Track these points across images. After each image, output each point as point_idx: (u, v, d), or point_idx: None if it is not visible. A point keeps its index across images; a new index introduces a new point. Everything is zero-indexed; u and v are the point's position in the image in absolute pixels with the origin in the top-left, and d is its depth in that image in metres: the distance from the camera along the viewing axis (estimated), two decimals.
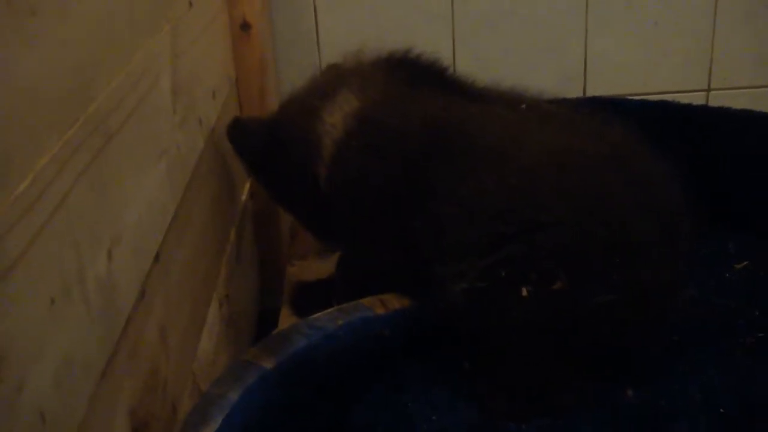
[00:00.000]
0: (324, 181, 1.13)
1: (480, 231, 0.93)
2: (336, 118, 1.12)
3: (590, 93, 1.63)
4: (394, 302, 1.01)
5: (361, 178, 1.08)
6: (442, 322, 0.97)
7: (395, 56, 1.16)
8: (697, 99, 1.60)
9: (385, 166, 1.05)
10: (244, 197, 1.40)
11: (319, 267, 1.39)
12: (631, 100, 1.43)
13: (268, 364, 0.87)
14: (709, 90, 1.65)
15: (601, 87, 1.63)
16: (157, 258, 0.82)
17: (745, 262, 1.23)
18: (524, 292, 0.89)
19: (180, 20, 1.00)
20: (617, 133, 1.00)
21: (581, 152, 0.96)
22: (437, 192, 0.98)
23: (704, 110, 1.42)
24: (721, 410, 0.92)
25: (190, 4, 1.06)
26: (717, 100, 1.63)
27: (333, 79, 1.18)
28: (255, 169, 1.28)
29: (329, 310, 0.97)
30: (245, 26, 1.38)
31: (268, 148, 1.19)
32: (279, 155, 1.18)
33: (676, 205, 0.96)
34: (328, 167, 1.12)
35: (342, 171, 1.11)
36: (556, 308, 0.90)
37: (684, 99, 1.41)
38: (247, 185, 1.44)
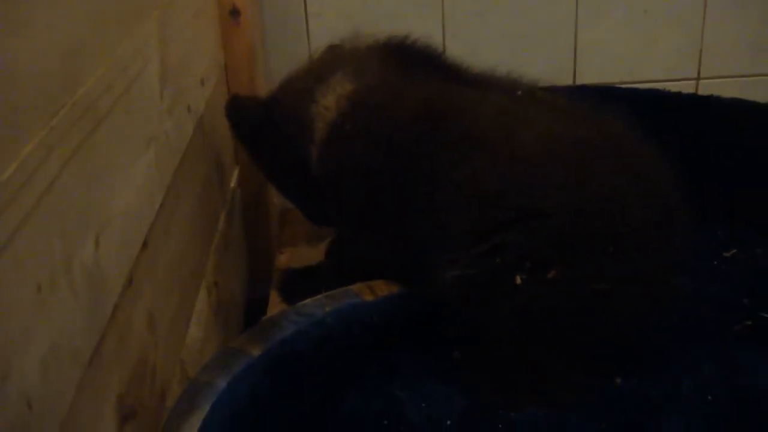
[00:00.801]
0: (315, 163, 1.13)
1: (473, 218, 0.93)
2: (329, 100, 1.11)
3: (580, 81, 1.63)
4: (383, 288, 1.01)
5: (352, 161, 1.08)
6: (433, 309, 0.96)
7: (392, 41, 1.16)
8: (686, 88, 1.59)
9: (377, 151, 1.05)
10: (233, 184, 1.40)
11: (308, 254, 1.38)
12: (621, 88, 1.44)
13: (256, 351, 0.86)
14: (698, 79, 1.65)
15: (591, 75, 1.63)
16: (144, 245, 0.82)
17: (734, 250, 1.23)
18: (518, 280, 0.89)
19: (169, 6, 0.99)
20: (612, 122, 1.00)
21: (576, 140, 0.96)
22: (430, 178, 0.98)
23: (694, 99, 1.42)
24: (709, 397, 0.92)
25: None
26: (707, 89, 1.63)
27: (329, 62, 1.17)
28: (249, 146, 1.28)
29: (317, 297, 0.97)
30: (234, 13, 1.37)
31: (262, 126, 1.19)
32: (273, 134, 1.18)
33: (672, 194, 0.96)
34: (319, 149, 1.12)
35: (333, 153, 1.11)
36: (550, 296, 0.90)
37: (674, 88, 1.41)
38: (236, 172, 1.44)
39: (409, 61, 1.12)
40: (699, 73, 1.65)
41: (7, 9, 0.54)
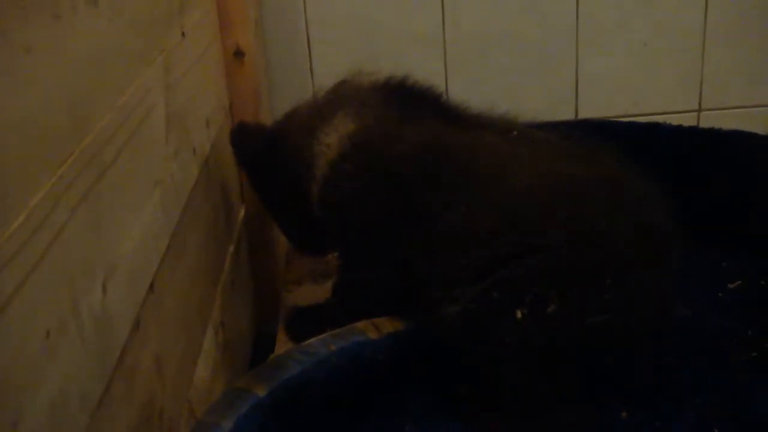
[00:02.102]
0: (316, 200, 1.15)
1: (472, 255, 0.94)
2: (331, 139, 1.13)
3: (582, 115, 1.65)
4: (387, 326, 1.01)
5: (351, 200, 1.10)
6: (437, 345, 0.97)
7: (392, 82, 1.18)
8: (688, 119, 1.61)
9: (376, 191, 1.06)
10: (238, 224, 1.41)
11: (314, 292, 1.39)
12: (622, 122, 1.45)
13: (261, 391, 0.87)
14: (700, 110, 1.66)
15: (592, 109, 1.64)
16: (151, 288, 0.83)
17: (738, 282, 1.23)
18: (518, 315, 0.90)
19: (173, 51, 1.00)
20: (606, 157, 1.02)
21: (570, 176, 0.98)
22: (428, 217, 0.99)
23: (694, 131, 1.43)
24: (715, 430, 0.92)
25: (183, 34, 1.07)
26: (708, 120, 1.64)
27: (333, 100, 1.19)
28: (249, 173, 1.30)
29: (322, 336, 0.97)
30: (239, 54, 1.39)
31: (265, 156, 1.22)
32: (274, 165, 1.21)
33: (666, 225, 0.97)
34: (320, 187, 1.14)
35: (333, 192, 1.12)
36: (550, 330, 0.90)
37: (675, 119, 1.43)
38: (242, 212, 1.45)
39: (408, 102, 1.14)
40: (700, 105, 1.66)
41: (16, 62, 0.55)
